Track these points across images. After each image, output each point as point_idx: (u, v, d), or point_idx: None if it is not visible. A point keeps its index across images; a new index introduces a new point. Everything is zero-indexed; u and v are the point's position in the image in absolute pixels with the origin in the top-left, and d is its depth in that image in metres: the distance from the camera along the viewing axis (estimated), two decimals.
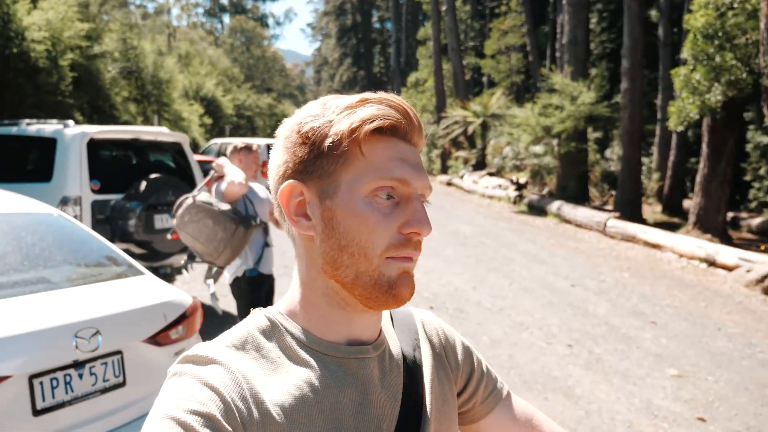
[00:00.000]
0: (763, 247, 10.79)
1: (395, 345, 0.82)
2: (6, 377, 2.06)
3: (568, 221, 13.40)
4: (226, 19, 68.51)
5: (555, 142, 15.62)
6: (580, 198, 15.66)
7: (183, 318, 2.65)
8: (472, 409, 0.89)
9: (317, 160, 0.71)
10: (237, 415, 0.63)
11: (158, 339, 2.52)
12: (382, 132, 0.71)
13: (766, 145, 9.72)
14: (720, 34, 10.14)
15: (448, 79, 27.94)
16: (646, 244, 10.64)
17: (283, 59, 65.41)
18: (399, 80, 41.64)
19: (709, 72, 10.34)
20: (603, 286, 7.54)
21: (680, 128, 11.57)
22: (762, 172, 13.47)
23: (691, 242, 9.66)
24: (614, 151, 18.18)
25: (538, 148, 16.12)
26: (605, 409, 4.00)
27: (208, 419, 0.61)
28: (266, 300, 3.81)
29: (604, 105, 14.87)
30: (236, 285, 3.69)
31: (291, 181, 0.72)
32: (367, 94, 0.72)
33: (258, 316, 0.75)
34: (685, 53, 10.77)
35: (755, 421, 3.94)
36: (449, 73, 27.26)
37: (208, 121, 28.22)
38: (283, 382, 0.69)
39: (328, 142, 0.70)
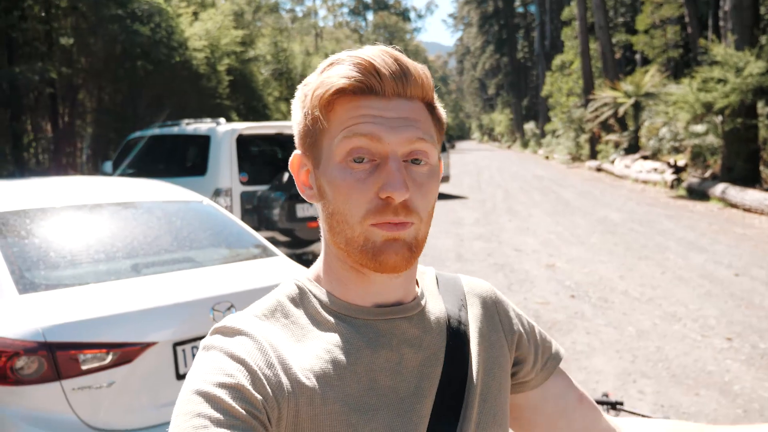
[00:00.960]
0: None
1: (439, 306, 0.79)
2: (153, 343, 2.30)
3: (734, 205, 12.08)
4: (370, 16, 70.51)
5: (718, 119, 14.11)
6: (750, 180, 13.98)
7: None
8: (528, 375, 0.86)
9: (308, 130, 0.72)
10: (266, 383, 0.64)
11: None
12: (352, 93, 0.67)
13: None
14: None
15: (596, 59, 26.35)
16: None
17: (425, 51, 65.97)
18: (544, 64, 40.05)
19: None
20: None
21: None
22: None
23: None
24: None
25: (699, 127, 14.69)
26: None
27: (236, 390, 0.61)
28: None
29: None
30: None
31: (296, 152, 0.75)
32: (338, 55, 0.70)
33: (288, 284, 0.76)
34: None
35: None
36: (597, 53, 25.70)
37: None
38: (314, 347, 0.69)
39: (308, 111, 0.71)
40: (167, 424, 0.72)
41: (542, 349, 0.87)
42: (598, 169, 21.62)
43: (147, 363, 2.28)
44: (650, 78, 20.44)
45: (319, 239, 4.68)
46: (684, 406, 3.59)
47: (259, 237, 3.29)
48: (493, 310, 0.85)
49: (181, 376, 2.37)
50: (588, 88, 24.98)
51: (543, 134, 37.28)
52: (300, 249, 6.04)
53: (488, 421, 0.76)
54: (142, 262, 2.70)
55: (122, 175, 6.75)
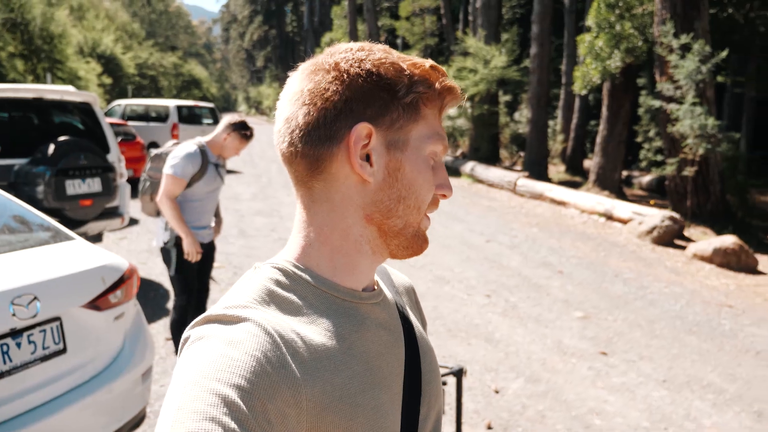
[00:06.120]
0: (652, 202, 11.76)
1: (386, 291, 0.84)
2: None
3: (481, 181, 13.92)
4: None
5: (468, 104, 16.05)
6: (492, 159, 16.27)
7: (121, 282, 2.61)
8: None
9: (391, 110, 0.70)
10: (281, 381, 0.60)
11: (98, 303, 2.49)
12: (448, 100, 0.76)
13: (657, 109, 10.54)
14: (620, 3, 10.75)
15: (363, 40, 27.69)
16: (553, 201, 11.30)
17: (188, 15, 62.02)
18: (312, 40, 40.83)
19: (610, 39, 10.96)
20: (515, 241, 8.00)
21: (584, 92, 12.24)
22: (651, 134, 14.60)
23: (592, 199, 10.37)
24: (523, 114, 18.92)
25: (452, 111, 16.54)
26: (522, 350, 4.35)
27: (251, 395, 0.56)
28: (200, 271, 3.66)
29: (514, 69, 15.38)
30: (164, 251, 3.50)
31: (366, 123, 0.69)
32: (435, 63, 0.75)
33: (266, 270, 0.72)
34: (590, 21, 11.33)
35: (647, 352, 4.45)
36: (364, 34, 27.07)
37: (107, 80, 26.56)
38: (313, 332, 0.68)
39: (410, 97, 0.70)
40: None
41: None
42: None
43: None
44: None
45: (94, 219, 4.29)
46: (460, 355, 4.20)
47: (48, 219, 2.96)
48: (414, 300, 0.93)
49: None
50: None
51: None
52: (71, 230, 5.47)
53: (435, 394, 0.82)
54: None
55: None
